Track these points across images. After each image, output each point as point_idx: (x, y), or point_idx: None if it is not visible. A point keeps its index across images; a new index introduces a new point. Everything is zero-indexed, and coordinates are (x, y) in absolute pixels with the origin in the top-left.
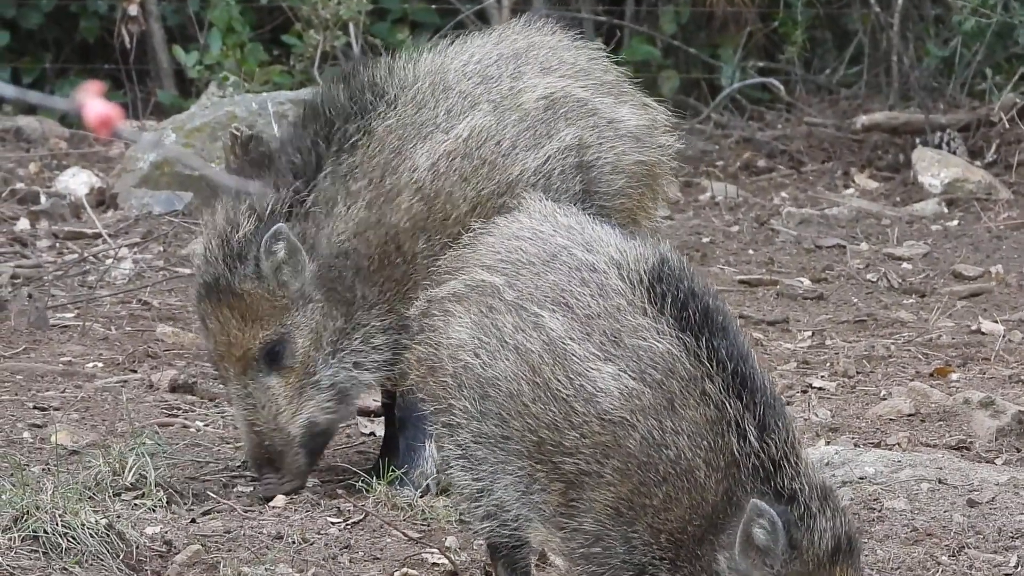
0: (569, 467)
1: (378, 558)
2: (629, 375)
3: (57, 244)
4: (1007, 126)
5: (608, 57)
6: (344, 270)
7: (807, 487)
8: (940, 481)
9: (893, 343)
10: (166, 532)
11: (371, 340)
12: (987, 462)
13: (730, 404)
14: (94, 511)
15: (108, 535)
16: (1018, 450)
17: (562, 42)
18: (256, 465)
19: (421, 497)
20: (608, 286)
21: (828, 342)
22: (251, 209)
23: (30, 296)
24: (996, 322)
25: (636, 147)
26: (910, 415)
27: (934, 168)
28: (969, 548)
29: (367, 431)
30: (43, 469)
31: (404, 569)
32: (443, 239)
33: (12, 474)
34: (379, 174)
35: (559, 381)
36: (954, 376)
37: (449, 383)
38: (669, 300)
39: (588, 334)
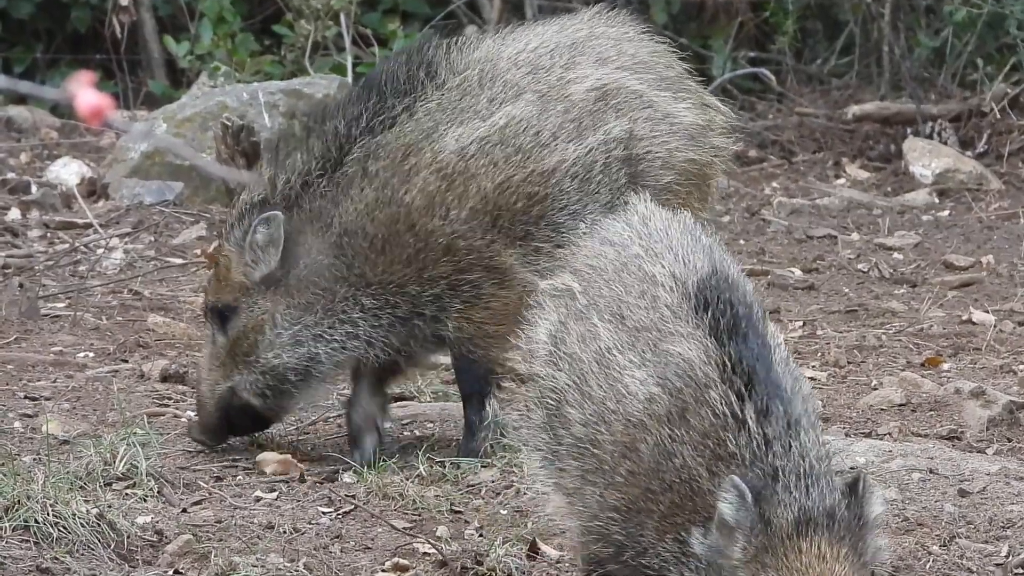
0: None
1: (369, 548)
2: (655, 380)
3: (48, 234)
4: (998, 116)
5: (675, 52)
6: (348, 248)
7: (793, 464)
8: (931, 471)
9: (884, 333)
10: (157, 522)
11: (347, 324)
12: (978, 452)
13: (736, 403)
14: (85, 501)
15: (99, 525)
16: (1009, 440)
17: (626, 34)
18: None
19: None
20: (660, 297)
21: (819, 332)
22: (275, 177)
23: (21, 286)
24: (987, 312)
25: (690, 145)
26: (901, 405)
27: (925, 158)
28: (960, 538)
29: None
30: (34, 459)
31: (395, 559)
32: (463, 215)
33: (3, 464)
34: (402, 154)
35: (601, 391)
36: (945, 366)
37: (534, 374)
38: (709, 310)
39: (633, 344)
